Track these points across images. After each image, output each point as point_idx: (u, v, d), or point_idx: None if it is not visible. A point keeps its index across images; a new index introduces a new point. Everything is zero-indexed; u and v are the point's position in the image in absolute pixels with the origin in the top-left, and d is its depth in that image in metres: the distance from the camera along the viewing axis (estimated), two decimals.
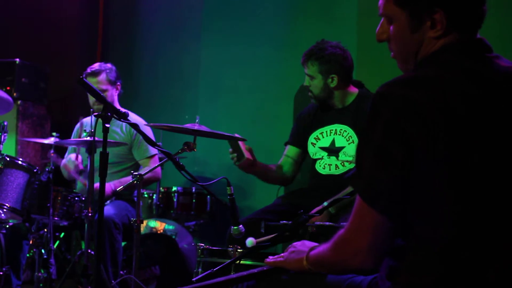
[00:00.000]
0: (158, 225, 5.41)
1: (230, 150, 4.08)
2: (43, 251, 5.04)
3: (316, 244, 2.14)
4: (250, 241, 3.38)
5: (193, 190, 5.73)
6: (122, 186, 3.72)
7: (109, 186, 4.80)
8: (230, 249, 3.27)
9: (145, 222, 5.41)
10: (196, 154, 6.30)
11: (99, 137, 4.38)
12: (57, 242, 5.44)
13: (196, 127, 3.73)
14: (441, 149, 1.73)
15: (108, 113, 3.09)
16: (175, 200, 5.69)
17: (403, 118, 1.74)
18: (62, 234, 5.28)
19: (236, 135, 4.01)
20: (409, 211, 1.82)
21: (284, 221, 3.45)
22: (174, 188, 5.70)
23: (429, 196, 1.79)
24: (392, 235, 1.86)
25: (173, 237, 5.28)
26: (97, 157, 4.46)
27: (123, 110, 5.06)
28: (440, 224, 1.79)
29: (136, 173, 3.56)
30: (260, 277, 2.21)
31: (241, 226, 3.42)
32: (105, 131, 3.07)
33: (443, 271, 1.78)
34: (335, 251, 1.95)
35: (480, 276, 1.76)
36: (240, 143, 4.01)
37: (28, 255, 5.00)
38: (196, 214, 5.71)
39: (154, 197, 5.69)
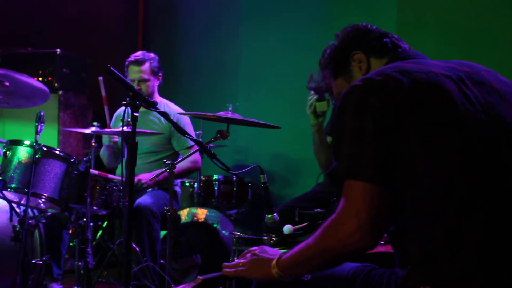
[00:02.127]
0: (199, 213, 5.40)
1: (312, 91, 3.87)
2: None
3: (277, 249, 2.09)
4: (287, 228, 3.35)
5: (234, 178, 5.70)
6: (155, 175, 3.67)
7: (153, 176, 4.79)
8: (265, 238, 3.22)
9: (186, 210, 5.41)
10: (237, 143, 6.31)
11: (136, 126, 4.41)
12: (100, 232, 5.48)
13: (229, 115, 3.68)
14: (405, 114, 1.85)
15: (136, 102, 3.05)
16: (216, 188, 5.69)
17: (368, 97, 1.87)
18: (105, 223, 5.31)
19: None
20: (398, 180, 1.82)
21: (319, 209, 3.37)
22: (215, 177, 5.70)
23: (408, 160, 1.82)
24: (388, 206, 1.83)
25: (215, 225, 5.26)
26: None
27: (164, 100, 5.16)
28: (424, 184, 1.81)
29: (169, 161, 3.52)
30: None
31: (275, 214, 3.35)
32: (134, 120, 3.03)
33: (446, 228, 1.79)
34: (327, 235, 1.87)
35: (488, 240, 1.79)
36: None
37: (71, 244, 5.05)
38: (237, 202, 5.69)
39: (195, 185, 5.68)
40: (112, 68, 3.01)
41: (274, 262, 2.00)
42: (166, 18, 6.97)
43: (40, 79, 5.85)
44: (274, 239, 3.17)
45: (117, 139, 4.90)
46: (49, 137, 5.85)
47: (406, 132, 1.83)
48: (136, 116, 3.06)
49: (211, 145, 5.77)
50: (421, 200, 1.80)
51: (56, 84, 5.91)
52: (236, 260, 2.14)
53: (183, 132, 3.31)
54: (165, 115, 3.20)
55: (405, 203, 1.83)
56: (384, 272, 2.02)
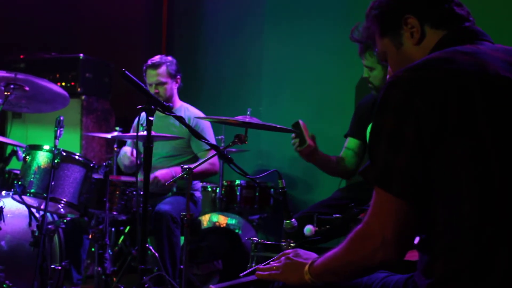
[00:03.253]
0: (221, 219, 5.36)
1: (293, 135, 3.94)
2: None
3: (310, 253, 2.05)
4: (308, 229, 3.30)
5: (256, 183, 5.66)
6: (172, 180, 3.65)
7: (170, 172, 4.76)
8: (283, 244, 3.18)
9: (208, 216, 5.38)
10: (260, 148, 6.27)
11: (155, 130, 4.39)
12: (122, 237, 5.47)
13: (247, 119, 3.63)
14: (455, 125, 1.69)
15: (151, 106, 3.02)
16: (238, 193, 5.64)
17: (413, 98, 1.71)
18: (127, 228, 5.30)
19: (300, 121, 3.90)
20: (432, 196, 1.72)
21: (337, 215, 3.32)
22: (237, 182, 5.65)
23: (449, 177, 1.69)
24: (415, 222, 1.74)
25: (236, 231, 5.22)
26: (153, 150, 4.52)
27: (185, 104, 5.15)
28: (464, 205, 1.69)
29: (186, 166, 3.48)
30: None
31: (293, 220, 3.30)
32: (149, 124, 3.02)
33: (477, 252, 1.68)
34: (353, 249, 1.82)
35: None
36: (303, 128, 3.88)
37: (92, 249, 5.04)
38: (259, 207, 5.64)
39: (217, 191, 5.65)
40: (126, 72, 3.00)
41: (306, 268, 1.97)
42: (190, 22, 6.97)
43: (63, 84, 5.86)
44: (292, 245, 3.12)
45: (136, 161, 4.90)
46: (72, 142, 5.85)
47: (450, 146, 1.69)
48: (151, 120, 3.04)
49: (233, 150, 5.74)
50: (457, 221, 1.70)
51: (79, 89, 5.91)
52: (270, 263, 2.12)
53: (199, 137, 3.28)
54: (180, 119, 3.17)
55: (438, 219, 1.73)
56: (399, 278, 1.97)
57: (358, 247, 1.79)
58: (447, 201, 1.71)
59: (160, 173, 4.75)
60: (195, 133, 3.21)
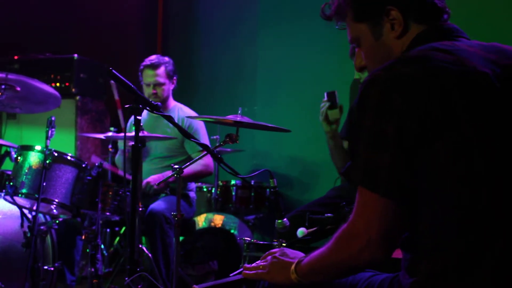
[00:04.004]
0: (217, 219, 5.34)
1: (325, 98, 3.83)
2: (102, 246, 5.06)
3: (297, 252, 2.02)
4: (301, 231, 3.27)
5: (252, 183, 5.64)
6: (162, 180, 3.63)
7: (162, 176, 4.74)
8: (275, 243, 3.16)
9: (203, 216, 5.36)
10: (255, 148, 6.25)
11: (149, 131, 4.37)
12: (117, 238, 5.45)
13: (238, 119, 3.61)
14: (436, 124, 1.65)
15: (139, 105, 3.00)
16: (233, 193, 5.62)
17: (392, 96, 1.67)
18: (123, 229, 5.28)
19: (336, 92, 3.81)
20: (416, 195, 1.69)
21: (329, 214, 3.29)
22: (233, 182, 5.63)
23: (433, 176, 1.66)
24: (401, 221, 1.72)
25: (232, 231, 5.20)
26: (144, 152, 4.51)
27: (179, 104, 5.12)
28: (448, 204, 1.67)
29: (176, 166, 3.46)
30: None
31: (285, 219, 3.28)
32: (137, 123, 2.99)
33: (461, 250, 1.66)
34: (339, 249, 1.79)
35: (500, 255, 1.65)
36: (336, 98, 3.80)
37: (87, 250, 5.02)
38: (255, 207, 5.62)
39: (213, 191, 5.63)
40: (113, 70, 2.98)
41: (293, 267, 1.94)
42: (185, 24, 6.95)
43: (58, 84, 5.83)
44: (284, 244, 3.10)
45: None
46: (67, 142, 5.83)
47: (433, 144, 1.65)
48: (139, 120, 3.01)
49: (228, 149, 5.72)
50: (441, 219, 1.68)
51: (73, 90, 5.88)
52: (256, 262, 2.09)
53: (188, 136, 3.25)
54: (169, 118, 3.14)
55: (422, 218, 1.71)
56: (385, 278, 1.95)
57: (344, 246, 1.77)
58: (431, 200, 1.69)
59: (152, 178, 4.72)
60: (185, 133, 3.18)
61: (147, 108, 3.06)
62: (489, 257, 1.65)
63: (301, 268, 1.93)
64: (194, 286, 2.16)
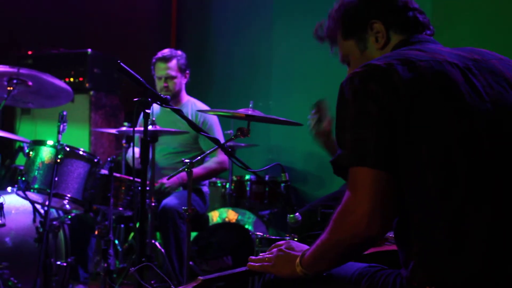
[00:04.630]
0: (231, 214, 5.30)
1: (313, 111, 3.83)
2: (116, 242, 5.05)
3: (303, 245, 2.01)
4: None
5: (266, 178, 5.60)
6: (172, 174, 3.60)
7: (177, 179, 4.71)
8: (287, 238, 3.12)
9: (217, 211, 5.33)
10: (270, 142, 6.21)
11: (162, 125, 4.34)
12: (132, 234, 5.43)
13: (249, 112, 3.57)
14: (411, 106, 1.76)
15: (148, 98, 2.96)
16: (248, 189, 5.58)
17: (368, 83, 1.78)
18: (138, 224, 5.24)
19: (324, 101, 3.80)
20: (400, 176, 1.76)
21: None
22: (247, 177, 5.59)
23: (411, 155, 1.75)
24: (394, 191, 1.75)
25: (246, 226, 5.16)
26: (157, 146, 4.47)
27: (192, 99, 5.09)
28: (427, 181, 1.74)
29: (187, 160, 3.43)
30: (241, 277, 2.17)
31: (297, 214, 3.23)
32: (146, 117, 2.95)
33: (446, 227, 1.72)
34: (336, 228, 1.81)
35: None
36: (324, 109, 3.77)
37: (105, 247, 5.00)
38: (269, 202, 5.58)
39: (227, 186, 5.59)
40: (122, 63, 2.95)
41: (298, 260, 1.94)
42: (199, 17, 6.93)
43: (71, 79, 5.82)
44: (296, 239, 3.06)
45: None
46: (81, 138, 5.82)
47: (408, 122, 1.74)
48: (148, 113, 2.98)
49: (242, 144, 5.69)
50: (423, 194, 1.74)
51: (87, 85, 5.86)
52: (262, 255, 2.08)
53: (198, 130, 3.21)
54: (178, 111, 3.10)
55: (407, 196, 1.76)
56: (391, 272, 1.92)
57: (340, 225, 1.78)
58: (412, 176, 1.74)
59: (166, 180, 4.70)
60: (195, 127, 3.14)
61: (156, 101, 3.02)
62: (477, 226, 1.70)
63: (306, 260, 1.92)
64: (199, 277, 2.13)
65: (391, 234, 2.29)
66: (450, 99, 1.78)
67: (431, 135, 1.74)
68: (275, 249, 2.04)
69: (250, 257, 2.12)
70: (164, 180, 4.64)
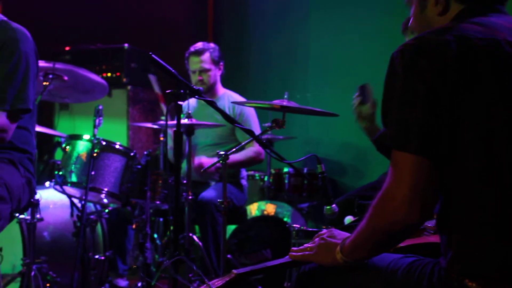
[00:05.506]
0: (270, 207, 5.27)
1: (356, 94, 3.76)
2: (155, 235, 5.05)
3: (345, 233, 1.98)
4: (348, 219, 3.18)
5: (305, 170, 5.55)
6: (207, 167, 3.58)
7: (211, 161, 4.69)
8: (324, 230, 3.08)
9: (256, 204, 5.30)
10: (308, 134, 6.16)
11: (198, 118, 4.33)
12: (171, 227, 5.42)
13: (284, 103, 3.52)
14: (463, 86, 1.70)
15: (181, 90, 2.95)
16: (286, 181, 5.54)
17: (419, 60, 1.72)
18: (172, 217, 5.24)
19: (367, 85, 3.75)
20: (448, 160, 1.71)
21: None
22: (285, 170, 5.55)
23: (457, 138, 1.70)
24: (435, 182, 1.71)
25: (285, 219, 5.12)
26: (194, 139, 4.46)
27: (228, 91, 5.07)
28: (471, 166, 1.70)
29: (222, 152, 3.40)
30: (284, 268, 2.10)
31: (334, 205, 3.19)
32: (178, 109, 2.93)
33: (489, 216, 1.68)
34: (375, 214, 1.77)
35: None
36: (368, 92, 3.71)
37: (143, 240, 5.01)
38: (308, 195, 5.54)
39: (265, 179, 5.56)
40: (153, 55, 2.94)
41: (338, 247, 1.92)
42: (236, 10, 6.90)
43: (109, 74, 5.84)
44: None
45: None
46: (119, 132, 5.84)
47: (454, 105, 1.69)
48: (180, 105, 2.96)
49: (280, 137, 5.65)
50: (465, 181, 1.70)
51: (124, 79, 5.88)
52: (304, 245, 2.06)
53: (232, 121, 3.19)
54: (211, 103, 3.08)
55: (449, 183, 1.72)
56: (428, 262, 1.87)
57: (380, 211, 1.76)
58: (454, 167, 1.71)
59: (205, 160, 4.68)
60: (229, 118, 3.12)
61: (188, 92, 3.00)
62: None
63: (346, 247, 1.89)
64: (233, 271, 2.10)
65: (429, 224, 2.25)
66: (500, 83, 1.72)
67: (477, 120, 1.69)
68: (317, 238, 2.02)
69: (292, 248, 2.09)
70: (203, 160, 4.63)
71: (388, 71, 1.79)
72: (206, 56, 4.98)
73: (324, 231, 2.04)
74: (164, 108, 4.60)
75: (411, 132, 1.69)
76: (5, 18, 3.17)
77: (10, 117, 2.98)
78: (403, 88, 1.73)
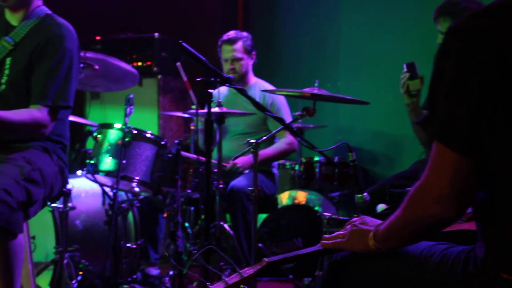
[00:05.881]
0: (300, 196, 5.26)
1: (405, 69, 3.68)
2: (187, 224, 5.05)
3: (378, 220, 1.92)
4: (381, 207, 3.15)
5: (336, 159, 5.52)
6: (237, 155, 3.57)
7: (249, 159, 4.67)
8: (355, 219, 3.06)
9: (287, 193, 5.29)
10: (339, 123, 6.14)
11: (229, 107, 4.31)
12: (203, 216, 5.43)
13: (315, 91, 3.50)
14: None
15: (211, 78, 2.94)
16: (317, 170, 5.52)
17: (476, 51, 1.59)
18: (202, 206, 5.25)
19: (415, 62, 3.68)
20: (490, 155, 1.63)
21: (409, 188, 3.15)
22: (316, 158, 5.53)
23: (507, 136, 1.60)
24: (474, 179, 1.65)
25: (316, 208, 5.10)
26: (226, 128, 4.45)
27: (260, 80, 5.05)
28: None
29: (252, 140, 3.38)
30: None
31: (365, 194, 3.17)
32: (209, 96, 2.92)
33: None
34: (411, 206, 1.73)
35: None
36: (417, 68, 3.65)
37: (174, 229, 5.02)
38: (339, 184, 5.51)
39: (296, 168, 5.54)
40: (183, 43, 2.93)
41: (371, 233, 1.87)
42: (266, 0, 6.89)
43: (139, 63, 5.85)
44: None
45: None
46: (150, 121, 5.86)
47: (505, 100, 1.59)
48: (211, 93, 2.95)
49: (311, 125, 5.62)
50: (506, 175, 1.63)
51: (155, 69, 5.89)
52: (336, 232, 2.02)
53: (263, 109, 3.17)
54: (242, 91, 3.07)
55: (496, 178, 1.65)
56: (461, 250, 1.84)
57: (417, 202, 1.71)
58: (503, 161, 1.62)
59: (240, 160, 4.66)
60: (259, 106, 3.10)
61: (219, 81, 2.99)
62: None
63: (379, 234, 1.85)
64: (265, 259, 2.08)
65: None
66: None
67: None
68: (349, 225, 1.98)
69: (324, 235, 2.06)
70: (237, 160, 4.61)
71: (440, 48, 1.68)
72: (239, 45, 4.96)
73: (356, 218, 2.01)
74: (193, 95, 4.58)
75: (457, 129, 1.62)
76: (49, 12, 3.19)
77: (50, 113, 3.03)
78: (454, 78, 1.63)
